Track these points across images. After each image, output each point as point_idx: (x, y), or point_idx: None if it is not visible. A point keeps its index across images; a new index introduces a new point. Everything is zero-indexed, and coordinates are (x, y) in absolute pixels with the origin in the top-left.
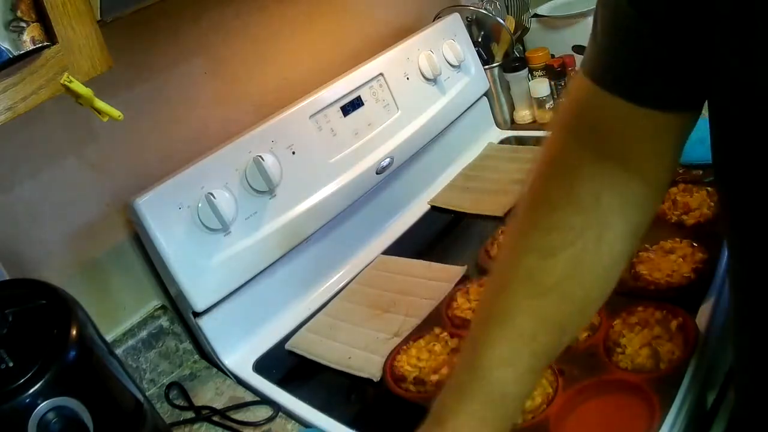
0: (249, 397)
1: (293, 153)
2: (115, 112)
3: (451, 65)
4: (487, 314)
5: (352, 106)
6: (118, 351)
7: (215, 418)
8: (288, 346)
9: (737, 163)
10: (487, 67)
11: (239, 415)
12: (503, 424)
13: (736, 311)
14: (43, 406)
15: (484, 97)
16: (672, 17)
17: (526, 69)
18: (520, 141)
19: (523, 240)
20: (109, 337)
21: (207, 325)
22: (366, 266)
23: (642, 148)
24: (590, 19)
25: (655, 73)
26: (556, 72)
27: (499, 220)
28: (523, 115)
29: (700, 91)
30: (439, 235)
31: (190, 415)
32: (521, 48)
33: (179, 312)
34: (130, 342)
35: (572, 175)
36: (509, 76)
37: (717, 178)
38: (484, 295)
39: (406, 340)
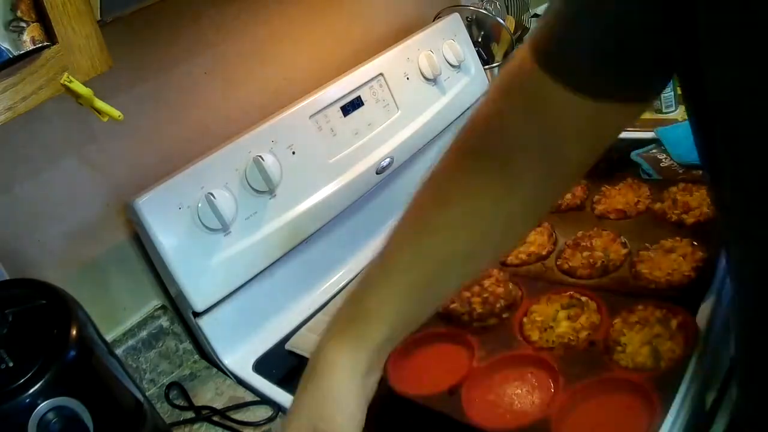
0: (249, 397)
1: (293, 153)
2: (115, 112)
3: (451, 65)
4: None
5: (352, 106)
6: (118, 351)
7: (215, 418)
8: (288, 346)
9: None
10: (487, 67)
11: (239, 415)
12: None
13: (735, 301)
14: (43, 406)
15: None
16: (625, 9)
17: None
18: None
19: (429, 180)
20: (109, 337)
21: (207, 325)
22: (366, 266)
23: (570, 131)
24: None
25: (596, 63)
26: None
27: None
28: None
29: (640, 87)
30: None
31: (190, 415)
32: None
33: (179, 312)
34: (130, 342)
35: (501, 133)
36: None
37: (706, 167)
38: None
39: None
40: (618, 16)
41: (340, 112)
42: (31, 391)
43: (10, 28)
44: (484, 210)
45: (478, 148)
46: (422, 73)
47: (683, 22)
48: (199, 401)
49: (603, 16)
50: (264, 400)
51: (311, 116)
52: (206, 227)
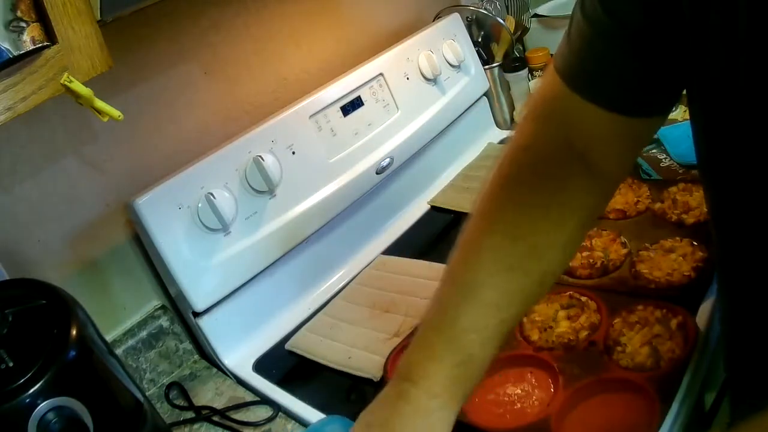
0: (249, 397)
1: (293, 153)
2: (115, 112)
3: (451, 65)
4: (453, 283)
5: (352, 106)
6: (118, 351)
7: (215, 418)
8: (288, 346)
9: (721, 156)
10: (487, 67)
11: (239, 415)
12: (470, 384)
13: (724, 302)
14: (43, 406)
15: (484, 97)
16: (647, 28)
17: (526, 69)
18: None
19: (490, 220)
20: (109, 337)
21: (207, 325)
22: (366, 266)
23: (606, 147)
24: None
25: (624, 82)
26: None
27: None
28: None
29: (666, 100)
30: (439, 235)
31: (190, 415)
32: (521, 48)
33: (179, 312)
34: (130, 342)
35: (542, 162)
36: (509, 76)
37: (701, 172)
38: (451, 265)
39: (406, 340)
40: (640, 33)
41: (340, 112)
42: (31, 391)
43: (10, 28)
44: (546, 240)
45: (521, 180)
46: (422, 73)
47: (697, 34)
48: (199, 401)
49: (627, 33)
50: (264, 400)
51: (311, 116)
52: (206, 227)
